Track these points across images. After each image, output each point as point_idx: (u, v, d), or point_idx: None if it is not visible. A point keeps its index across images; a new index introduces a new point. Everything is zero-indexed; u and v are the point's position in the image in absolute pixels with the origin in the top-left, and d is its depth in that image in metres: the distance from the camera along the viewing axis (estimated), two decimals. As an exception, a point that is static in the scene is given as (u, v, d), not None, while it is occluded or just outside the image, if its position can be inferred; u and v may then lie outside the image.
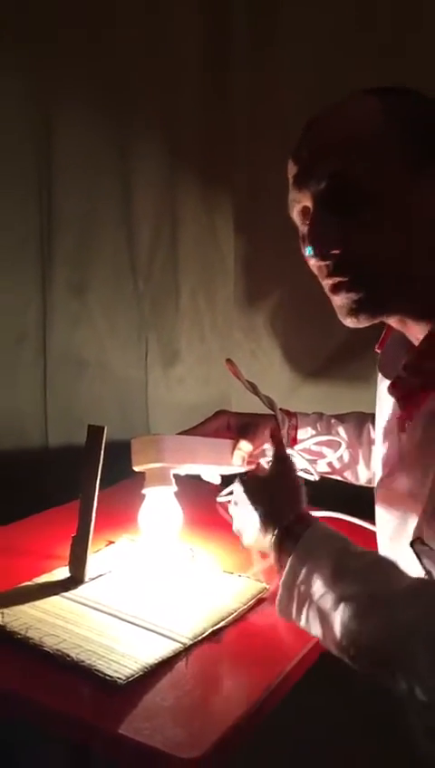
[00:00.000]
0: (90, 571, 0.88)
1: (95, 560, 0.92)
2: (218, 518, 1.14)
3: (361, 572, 0.72)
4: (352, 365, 1.29)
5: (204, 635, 0.78)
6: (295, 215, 0.83)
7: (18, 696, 0.68)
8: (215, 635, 0.79)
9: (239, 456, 1.05)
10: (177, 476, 0.98)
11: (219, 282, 1.43)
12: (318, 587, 0.72)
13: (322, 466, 1.11)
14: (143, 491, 0.97)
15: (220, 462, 1.05)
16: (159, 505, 0.97)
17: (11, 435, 1.56)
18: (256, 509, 0.85)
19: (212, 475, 1.09)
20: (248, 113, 1.34)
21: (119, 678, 0.69)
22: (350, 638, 0.68)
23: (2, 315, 1.51)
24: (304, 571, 0.74)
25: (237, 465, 1.05)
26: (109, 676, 0.69)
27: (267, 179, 1.34)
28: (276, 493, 0.87)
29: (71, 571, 0.88)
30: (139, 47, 1.37)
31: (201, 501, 1.16)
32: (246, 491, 0.88)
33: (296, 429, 1.11)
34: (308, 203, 0.79)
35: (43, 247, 1.49)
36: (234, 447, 1.05)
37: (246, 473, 1.00)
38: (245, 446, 1.04)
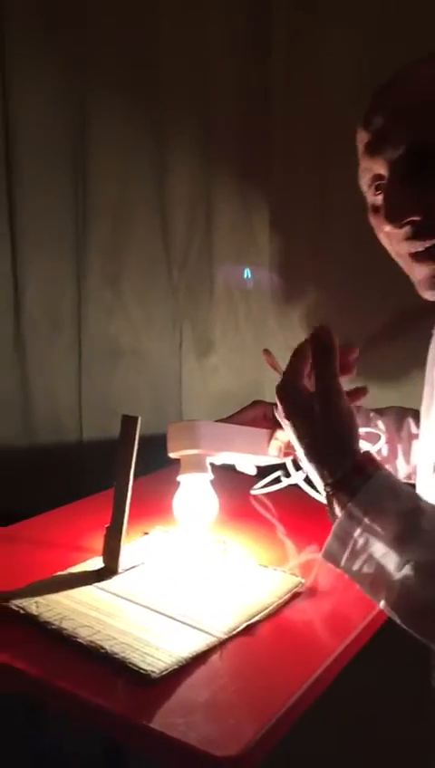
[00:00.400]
0: (123, 562, 0.87)
1: (129, 551, 0.91)
2: (253, 511, 1.13)
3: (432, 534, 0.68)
4: (387, 361, 1.26)
5: (238, 629, 0.76)
6: (366, 184, 0.80)
7: (50, 686, 0.67)
8: (250, 629, 0.77)
9: (276, 447, 1.03)
10: (212, 467, 0.97)
11: (254, 269, 1.41)
12: (379, 547, 0.68)
13: None
14: (178, 478, 0.96)
15: (256, 451, 1.03)
16: (195, 493, 0.96)
17: (47, 424, 1.57)
18: (301, 446, 0.75)
19: (247, 465, 1.08)
20: (286, 103, 1.31)
21: (152, 672, 0.68)
22: (420, 604, 0.66)
23: (38, 305, 1.52)
24: (361, 526, 0.69)
25: (274, 455, 1.04)
26: (143, 669, 0.68)
27: (303, 169, 1.32)
28: (324, 435, 0.73)
29: (104, 561, 0.87)
30: (175, 33, 1.35)
31: (236, 493, 1.14)
32: (291, 424, 0.75)
33: None
34: (382, 171, 0.76)
35: (79, 237, 1.49)
36: (270, 437, 1.03)
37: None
38: (282, 436, 1.03)
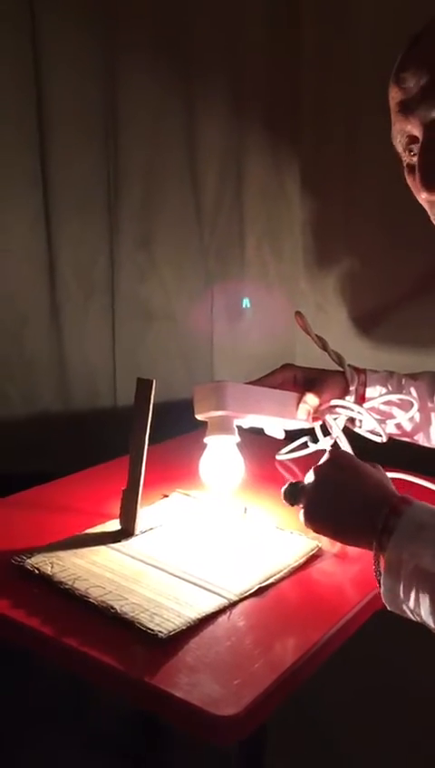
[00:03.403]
0: (141, 524, 0.88)
1: (148, 513, 0.92)
2: (277, 475, 1.12)
3: None
4: (420, 322, 1.23)
5: (250, 591, 0.76)
6: (400, 145, 0.76)
7: (59, 644, 0.68)
8: (263, 592, 0.77)
9: (305, 410, 1.01)
10: (239, 430, 0.96)
11: (286, 232, 1.39)
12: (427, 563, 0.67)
13: (390, 428, 1.07)
14: (205, 440, 0.95)
15: (284, 415, 1.02)
16: (221, 455, 0.96)
17: (81, 387, 1.58)
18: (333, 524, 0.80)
19: (276, 428, 1.07)
20: (317, 62, 1.27)
21: (160, 632, 0.68)
22: None
23: (72, 271, 1.53)
24: (405, 557, 0.69)
25: (302, 419, 1.02)
26: (151, 629, 0.69)
27: (334, 129, 1.28)
28: (353, 503, 0.77)
29: (121, 523, 0.88)
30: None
31: (262, 458, 1.14)
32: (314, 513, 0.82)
33: (365, 387, 1.06)
34: (416, 132, 0.72)
35: (111, 201, 1.48)
36: (299, 401, 1.02)
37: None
38: (311, 400, 1.01)
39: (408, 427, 1.06)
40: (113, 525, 0.89)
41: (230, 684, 0.64)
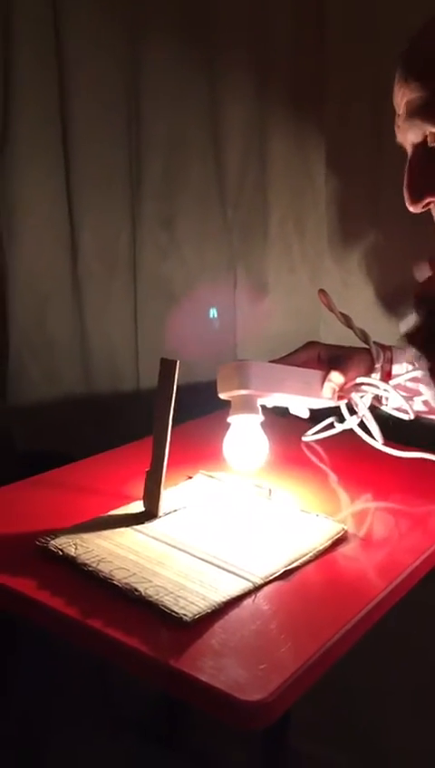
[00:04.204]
0: (164, 505, 0.87)
1: (172, 495, 0.91)
2: (304, 457, 1.11)
3: None
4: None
5: (276, 574, 0.75)
6: (407, 143, 0.76)
7: (83, 626, 0.68)
8: (288, 575, 0.76)
9: (330, 389, 1.00)
10: (264, 410, 0.95)
11: (310, 208, 1.36)
12: None
13: (418, 405, 1.05)
14: (229, 419, 0.95)
15: (309, 393, 1.00)
16: (245, 434, 0.95)
17: (104, 367, 1.58)
18: None
19: (300, 407, 1.05)
20: (342, 36, 1.24)
21: (185, 615, 0.68)
22: None
23: (94, 250, 1.51)
24: None
25: (327, 397, 1.01)
26: (175, 612, 0.68)
27: (359, 104, 1.25)
28: None
29: (145, 505, 0.87)
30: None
31: (287, 440, 1.13)
32: None
33: (391, 364, 1.05)
34: (415, 139, 0.73)
35: (133, 179, 1.46)
36: (324, 379, 1.00)
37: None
38: (336, 378, 0.99)
39: None
40: (137, 507, 0.88)
41: (256, 668, 0.63)
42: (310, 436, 1.14)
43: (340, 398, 1.03)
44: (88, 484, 0.98)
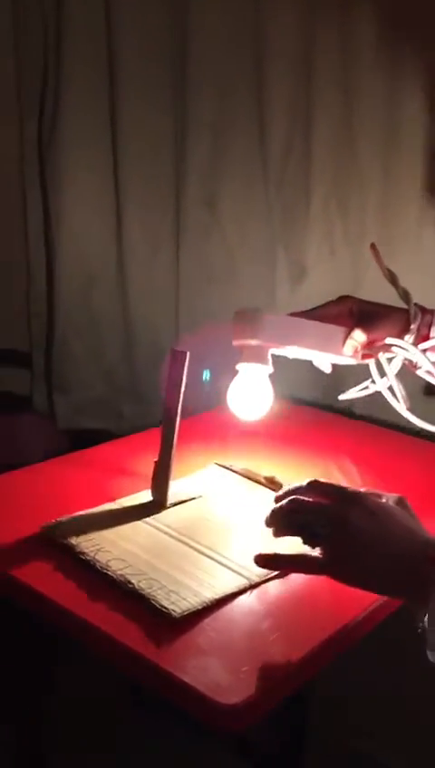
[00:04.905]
0: (173, 496, 0.86)
1: (183, 485, 0.91)
2: (322, 445, 1.08)
3: None
4: None
5: (274, 572, 0.74)
6: None
7: (73, 616, 0.68)
8: (286, 574, 0.74)
9: (351, 346, 0.94)
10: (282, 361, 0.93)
11: (354, 188, 1.31)
12: None
13: None
14: (237, 366, 0.92)
15: (328, 350, 0.95)
16: (250, 383, 0.93)
17: (145, 346, 1.58)
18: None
19: (323, 362, 1.00)
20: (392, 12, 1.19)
21: (174, 611, 0.67)
22: None
23: (138, 230, 1.51)
24: None
25: (348, 355, 0.95)
26: (165, 607, 0.68)
27: (411, 78, 1.19)
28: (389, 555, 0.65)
29: (153, 495, 0.87)
30: None
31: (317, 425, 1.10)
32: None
33: (430, 328, 0.98)
34: None
35: (177, 158, 1.44)
36: (347, 336, 0.95)
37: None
38: (358, 336, 0.93)
39: None
40: (146, 496, 0.88)
41: (238, 671, 0.62)
42: (347, 394, 1.09)
43: (366, 356, 0.97)
44: (116, 464, 0.98)
